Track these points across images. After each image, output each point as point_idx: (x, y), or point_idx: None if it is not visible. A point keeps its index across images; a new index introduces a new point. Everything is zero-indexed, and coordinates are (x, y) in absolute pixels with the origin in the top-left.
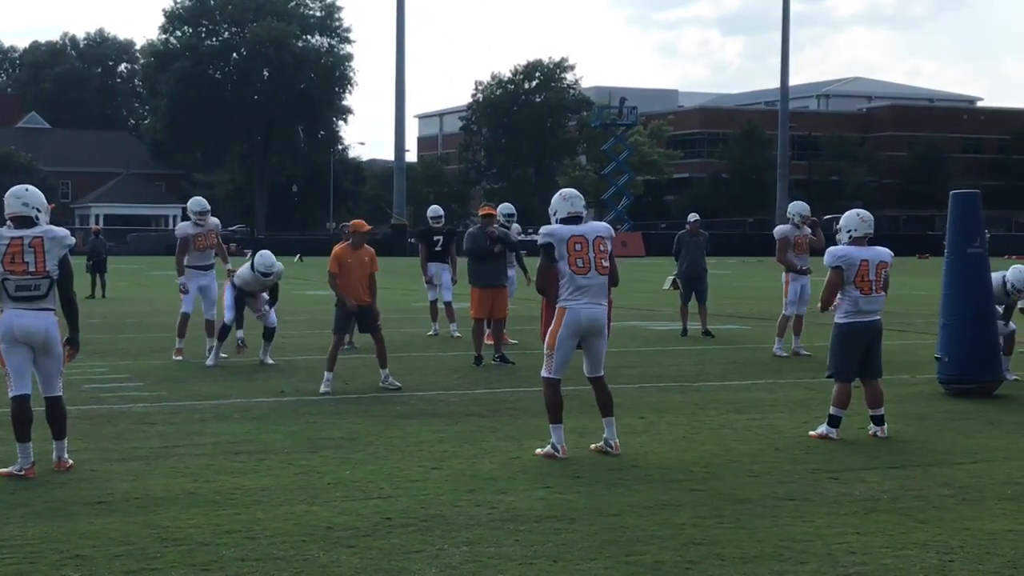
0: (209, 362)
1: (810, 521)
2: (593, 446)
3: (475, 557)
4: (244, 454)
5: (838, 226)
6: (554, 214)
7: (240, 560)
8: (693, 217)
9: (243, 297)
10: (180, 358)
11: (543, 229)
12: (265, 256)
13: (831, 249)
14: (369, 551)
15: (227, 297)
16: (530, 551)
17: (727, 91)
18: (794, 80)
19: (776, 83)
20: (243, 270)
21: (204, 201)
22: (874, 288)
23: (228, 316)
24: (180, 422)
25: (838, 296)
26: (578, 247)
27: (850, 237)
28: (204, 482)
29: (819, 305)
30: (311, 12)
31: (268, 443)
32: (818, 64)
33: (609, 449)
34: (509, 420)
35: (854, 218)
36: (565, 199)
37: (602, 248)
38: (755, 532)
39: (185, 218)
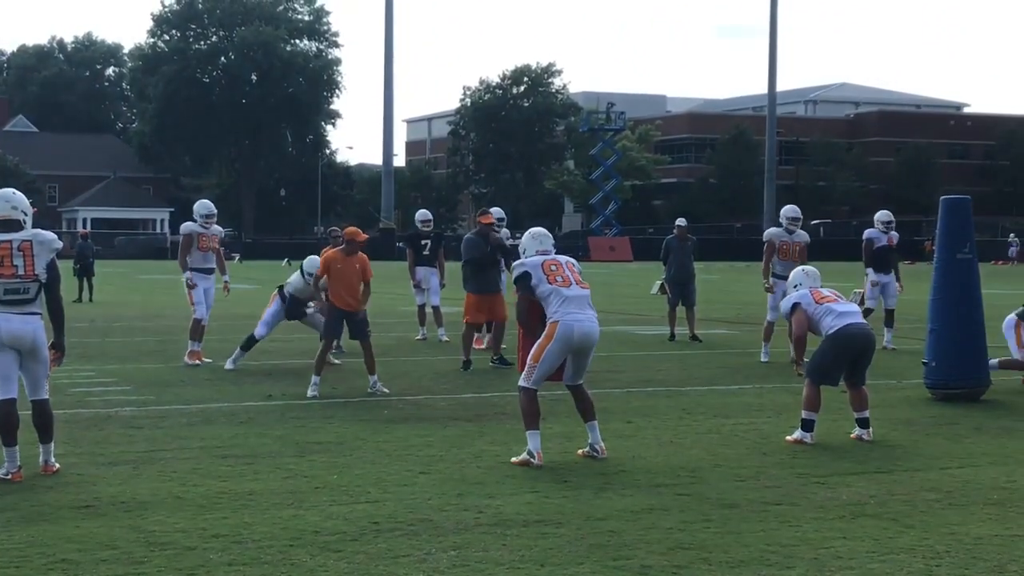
0: (228, 365)
1: (797, 526)
2: (580, 451)
3: (463, 561)
4: (232, 458)
5: (791, 283)
6: (523, 252)
7: (227, 564)
8: (681, 222)
9: (294, 309)
10: (198, 362)
11: (515, 263)
12: (314, 260)
13: (784, 300)
14: (356, 556)
15: (268, 313)
16: (518, 555)
17: (715, 96)
18: (782, 86)
19: (764, 88)
20: (295, 278)
21: (211, 205)
22: (839, 298)
23: (261, 331)
24: (167, 426)
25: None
26: (553, 268)
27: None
28: (191, 486)
29: (791, 345)
30: (299, 16)
31: (256, 447)
32: (806, 70)
33: (596, 453)
34: (497, 424)
35: (800, 274)
36: (534, 238)
37: (576, 269)
38: (742, 536)
39: (189, 220)
